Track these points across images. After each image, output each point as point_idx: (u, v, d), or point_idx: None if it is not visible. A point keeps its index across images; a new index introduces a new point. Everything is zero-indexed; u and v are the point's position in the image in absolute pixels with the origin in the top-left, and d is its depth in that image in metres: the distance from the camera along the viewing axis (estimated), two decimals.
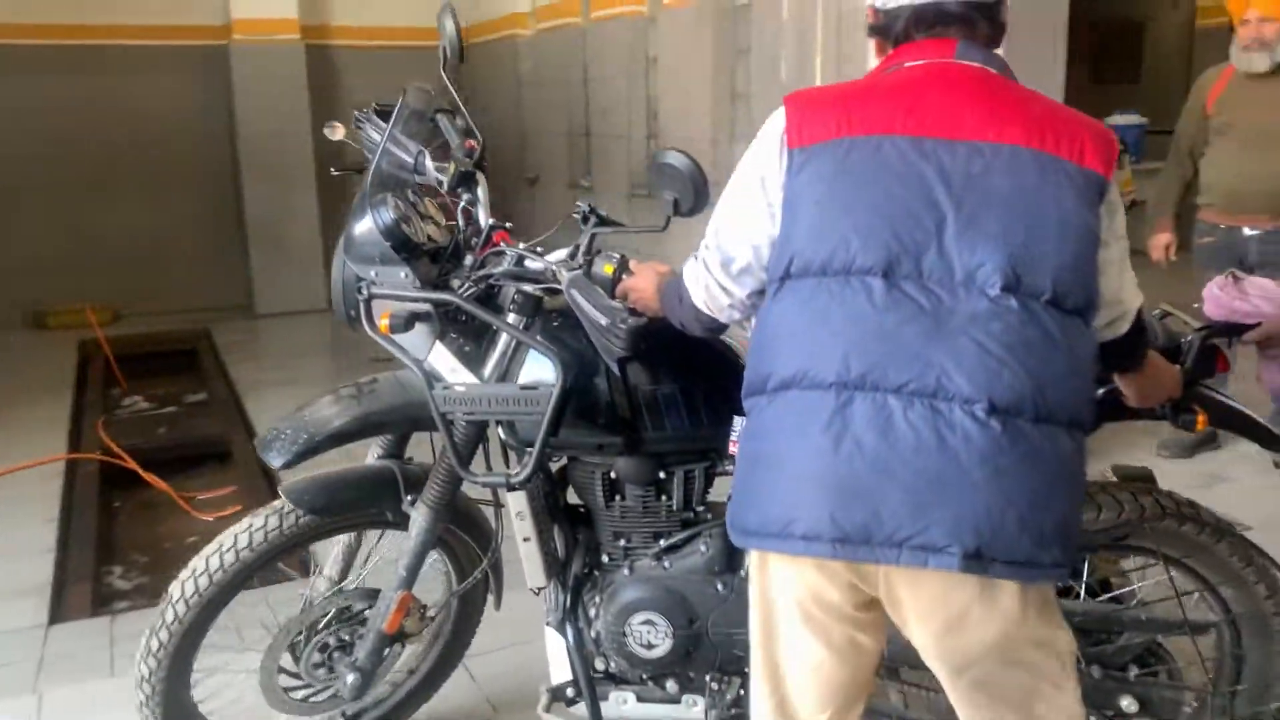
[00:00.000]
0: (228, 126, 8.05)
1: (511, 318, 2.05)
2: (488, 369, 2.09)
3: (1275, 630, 2.16)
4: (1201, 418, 2.02)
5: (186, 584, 2.23)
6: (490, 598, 2.49)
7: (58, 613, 3.48)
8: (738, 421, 1.67)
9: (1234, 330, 2.12)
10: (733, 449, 1.68)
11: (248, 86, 7.78)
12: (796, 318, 1.53)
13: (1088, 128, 1.55)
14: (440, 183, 2.20)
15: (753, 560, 1.65)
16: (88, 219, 7.88)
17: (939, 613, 1.51)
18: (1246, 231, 4.13)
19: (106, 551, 4.37)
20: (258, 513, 2.25)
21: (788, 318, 1.54)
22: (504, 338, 2.08)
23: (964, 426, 1.42)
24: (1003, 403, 1.42)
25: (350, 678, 2.25)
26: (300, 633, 2.32)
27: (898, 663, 1.75)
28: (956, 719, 1.67)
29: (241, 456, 5.15)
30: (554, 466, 2.25)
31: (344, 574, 2.38)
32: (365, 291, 2.05)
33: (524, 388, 2.01)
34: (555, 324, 2.07)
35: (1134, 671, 2.19)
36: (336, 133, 6.91)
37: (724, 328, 1.78)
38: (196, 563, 2.21)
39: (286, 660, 2.33)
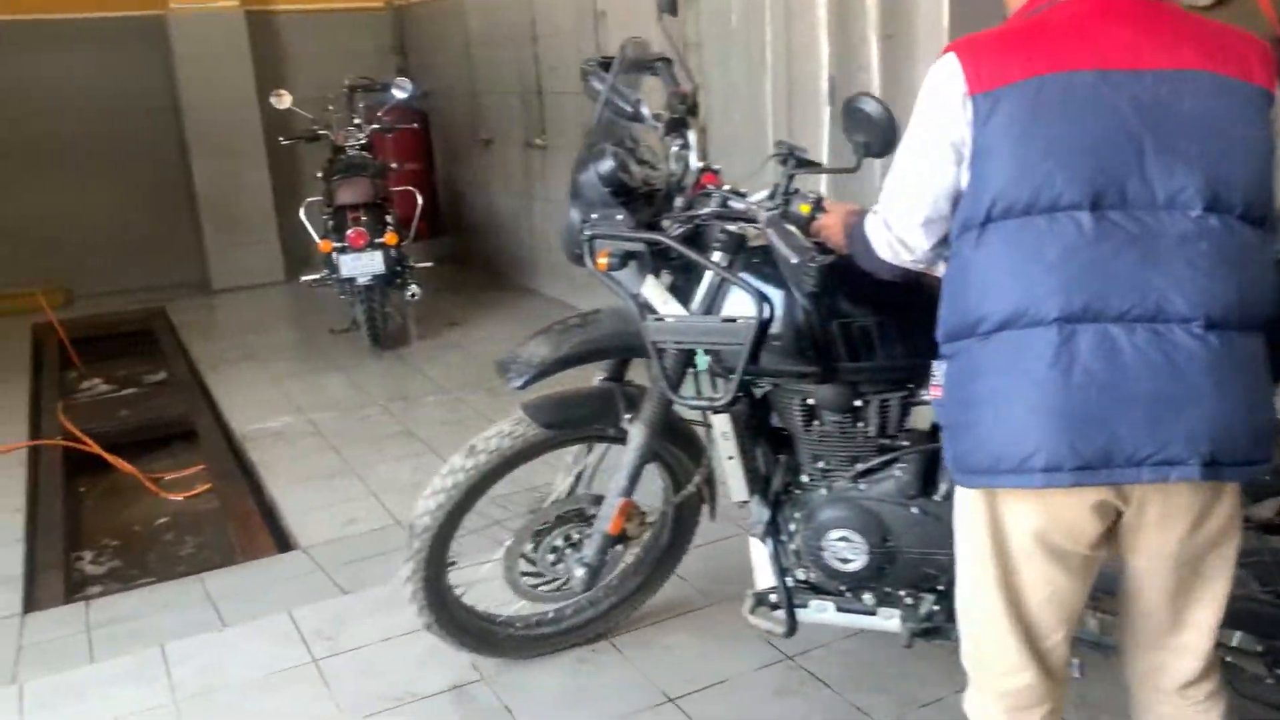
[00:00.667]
0: (171, 100, 7.86)
1: (716, 255, 2.23)
2: (694, 302, 2.27)
3: None
4: None
5: (442, 480, 2.53)
6: (705, 509, 2.77)
7: (31, 601, 3.45)
8: (936, 366, 1.71)
9: None
10: (934, 393, 1.72)
11: (189, 57, 7.58)
12: (1005, 259, 1.59)
13: (1250, 45, 1.63)
14: (656, 129, 2.42)
15: (974, 498, 1.71)
16: (32, 200, 7.68)
17: (1184, 518, 1.64)
18: None
19: (76, 537, 4.33)
20: (500, 423, 2.54)
21: (996, 260, 1.60)
22: (709, 274, 2.25)
23: (1185, 344, 1.54)
24: (1216, 317, 1.54)
25: (579, 572, 2.54)
26: (539, 530, 2.62)
27: (1095, 589, 1.81)
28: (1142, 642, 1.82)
29: (207, 435, 5.11)
30: (758, 392, 2.42)
31: (575, 482, 2.67)
32: (586, 233, 2.26)
33: (726, 320, 2.18)
34: (755, 261, 2.24)
35: None
36: (283, 101, 6.85)
37: (908, 273, 1.86)
38: (451, 462, 2.52)
39: (527, 552, 2.64)
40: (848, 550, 2.32)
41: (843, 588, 2.39)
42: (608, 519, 2.50)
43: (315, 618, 3.12)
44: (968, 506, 1.74)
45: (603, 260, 2.23)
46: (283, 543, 3.82)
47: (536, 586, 2.69)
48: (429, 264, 6.16)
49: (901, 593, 2.35)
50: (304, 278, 5.98)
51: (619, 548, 2.60)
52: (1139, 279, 1.54)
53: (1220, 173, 1.57)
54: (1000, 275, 1.60)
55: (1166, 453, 1.54)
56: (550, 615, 2.84)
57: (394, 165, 6.61)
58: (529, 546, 2.63)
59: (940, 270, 1.77)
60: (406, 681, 2.78)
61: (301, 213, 6.04)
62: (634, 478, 2.48)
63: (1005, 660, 1.75)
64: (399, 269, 5.75)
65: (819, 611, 2.44)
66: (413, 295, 5.82)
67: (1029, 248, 1.58)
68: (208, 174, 7.77)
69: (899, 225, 1.75)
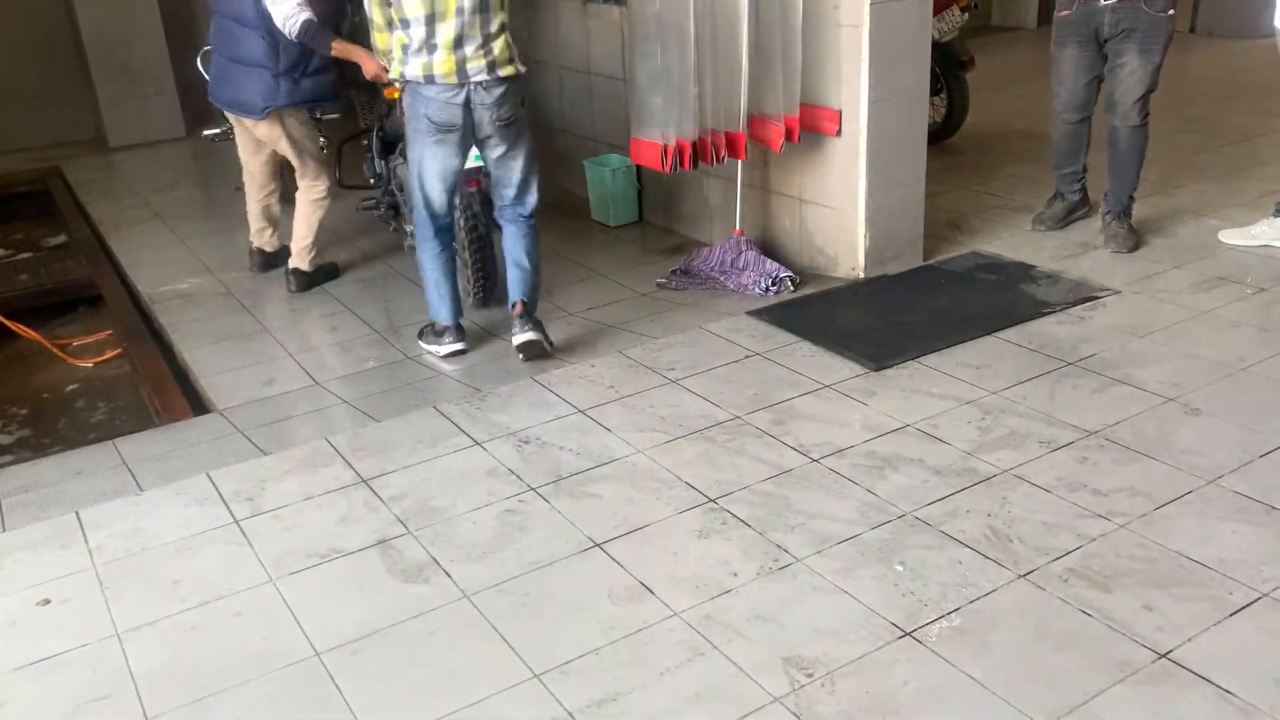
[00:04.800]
0: None
1: None
2: None
3: None
4: None
5: None
6: None
7: None
8: None
9: None
10: None
11: None
12: None
13: None
14: None
15: None
16: None
17: None
18: (1102, 2, 4.15)
19: None
20: None
21: None
22: None
23: None
24: None
25: None
26: None
27: None
28: None
29: (113, 298, 4.93)
30: None
31: None
32: None
33: None
34: None
35: None
36: None
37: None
38: None
39: None
40: None
41: None
42: None
43: (234, 479, 3.09)
44: None
45: None
46: (198, 406, 3.74)
47: None
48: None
49: None
50: (205, 132, 5.68)
51: None
52: None
53: None
54: None
55: None
56: None
57: None
58: None
59: None
60: (330, 538, 2.78)
61: (199, 62, 5.69)
62: None
63: None
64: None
65: None
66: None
67: None
68: (95, 21, 7.26)
69: None
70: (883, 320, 3.88)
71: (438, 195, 3.67)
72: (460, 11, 3.36)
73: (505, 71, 3.48)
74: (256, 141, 4.55)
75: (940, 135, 5.83)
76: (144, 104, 7.47)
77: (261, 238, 4.84)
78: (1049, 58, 4.52)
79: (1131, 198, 4.45)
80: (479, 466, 3.08)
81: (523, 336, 3.73)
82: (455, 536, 2.76)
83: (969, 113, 6.01)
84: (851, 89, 3.98)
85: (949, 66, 5.77)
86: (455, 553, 2.69)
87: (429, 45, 3.40)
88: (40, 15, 7.47)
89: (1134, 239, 4.41)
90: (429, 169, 3.61)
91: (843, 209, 4.17)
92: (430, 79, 3.44)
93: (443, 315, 3.85)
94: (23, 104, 7.47)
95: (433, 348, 3.90)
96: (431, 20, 3.37)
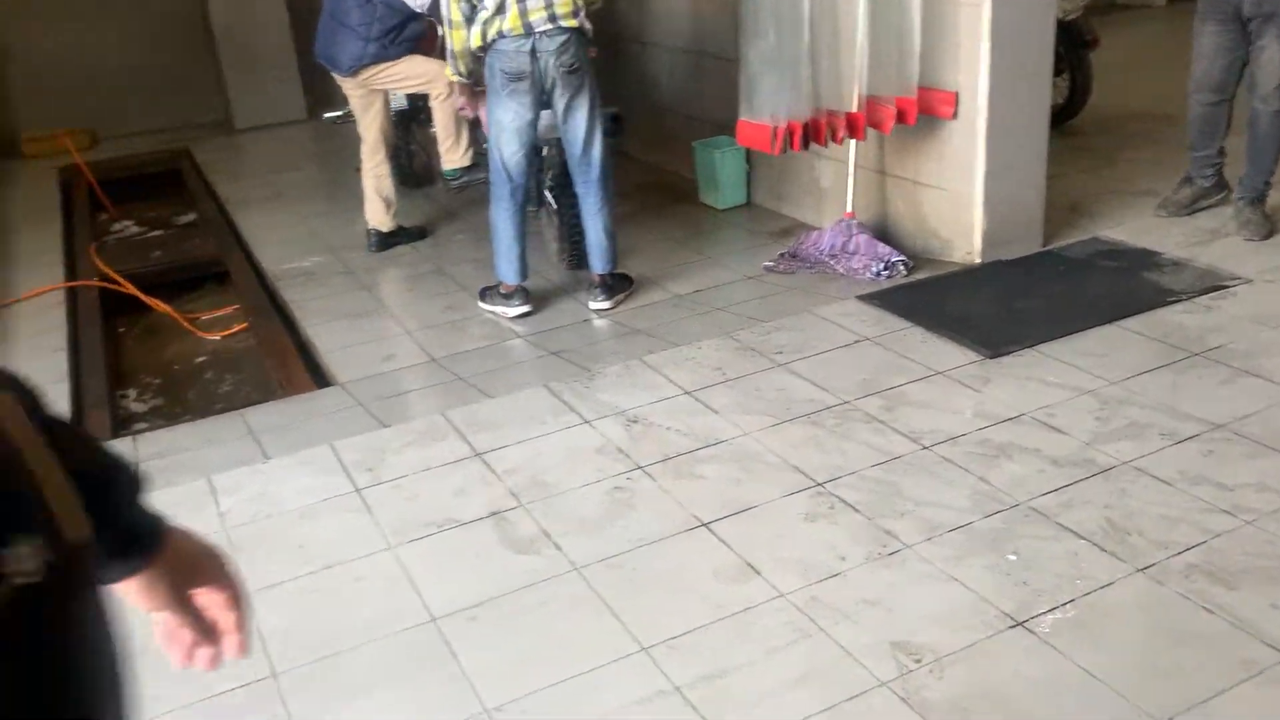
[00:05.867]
0: None
1: None
2: None
3: None
4: None
5: None
6: None
7: None
8: None
9: None
10: None
11: None
12: None
13: None
14: None
15: None
16: (53, 41, 7.53)
17: None
18: None
19: (118, 376, 4.43)
20: None
21: None
22: None
23: None
24: None
25: None
26: None
27: None
28: None
29: (240, 274, 5.14)
30: None
31: None
32: None
33: None
34: None
35: None
36: None
37: None
38: None
39: None
40: None
41: None
42: None
43: (356, 450, 3.21)
44: None
45: None
46: (320, 379, 3.89)
47: None
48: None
49: None
50: (326, 115, 5.87)
51: None
52: None
53: None
54: None
55: None
56: None
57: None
58: None
59: None
60: (447, 509, 2.87)
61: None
62: None
63: None
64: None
65: None
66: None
67: None
68: (223, 8, 7.56)
69: None
70: (999, 306, 3.80)
71: (511, 153, 3.93)
72: None
73: (567, 23, 3.79)
74: (363, 99, 4.80)
75: (1061, 117, 5.65)
76: (268, 88, 7.75)
77: (377, 217, 4.99)
78: (1181, 37, 4.34)
79: (1268, 183, 4.25)
80: (588, 444, 3.14)
81: (598, 304, 4.12)
82: (565, 511, 2.82)
83: (1092, 93, 5.82)
84: (970, 70, 3.89)
85: (1072, 45, 5.59)
86: (565, 527, 2.75)
87: (501, 7, 3.75)
88: (174, 5, 7.81)
89: (1268, 226, 4.22)
90: (503, 123, 3.90)
91: (959, 192, 4.09)
92: (501, 34, 3.78)
93: (509, 276, 4.10)
94: (157, 88, 7.83)
95: (498, 308, 4.13)
96: None
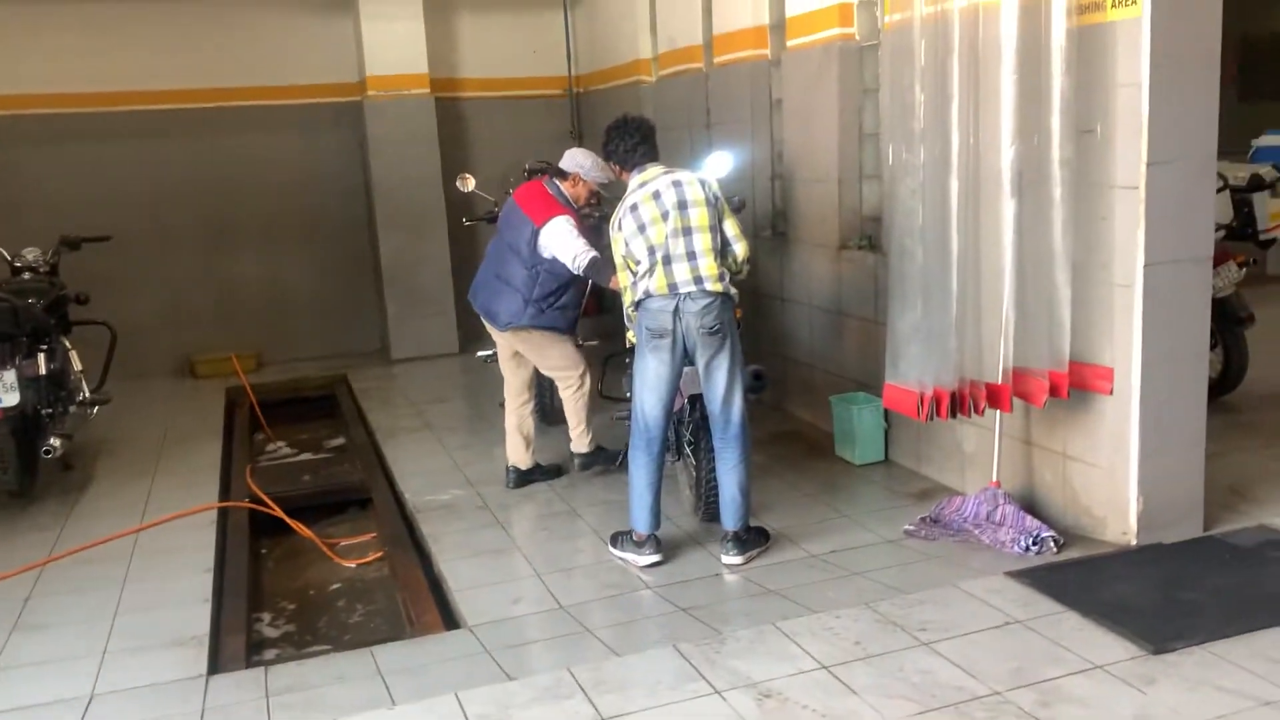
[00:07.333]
0: (363, 178, 8.36)
1: None
2: None
3: None
4: None
5: None
6: None
7: (216, 663, 3.60)
8: None
9: None
10: None
11: (382, 139, 8.07)
12: None
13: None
14: None
15: None
16: (236, 272, 8.27)
17: None
18: None
19: (256, 598, 4.52)
20: None
21: None
22: None
23: None
24: None
25: None
26: None
27: None
28: None
29: (381, 502, 5.28)
30: None
31: None
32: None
33: None
34: None
35: None
36: (467, 184, 7.27)
37: None
38: None
39: None
40: None
41: None
42: None
43: (481, 701, 3.14)
44: None
45: None
46: (449, 617, 3.88)
47: None
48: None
49: None
50: (479, 353, 6.15)
51: None
52: None
53: None
54: None
55: None
56: None
57: None
58: None
59: None
60: None
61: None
62: None
63: None
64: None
65: None
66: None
67: None
68: (393, 249, 8.19)
69: None
70: (1161, 595, 3.57)
71: (651, 405, 4.04)
72: (669, 236, 3.93)
73: (712, 286, 3.95)
74: (510, 348, 5.02)
75: (1216, 392, 5.47)
76: (426, 322, 8.25)
77: (517, 454, 5.11)
78: None
79: None
80: (717, 715, 3.00)
81: (730, 559, 4.06)
82: None
83: (1247, 370, 5.65)
84: (1124, 347, 3.83)
85: (1226, 322, 5.49)
86: None
87: (650, 269, 3.95)
88: (348, 240, 8.52)
89: None
90: (644, 377, 4.04)
91: (1113, 468, 3.94)
92: (649, 294, 3.97)
93: (641, 524, 4.10)
94: (323, 318, 8.45)
95: (629, 555, 4.11)
96: (653, 251, 3.96)
